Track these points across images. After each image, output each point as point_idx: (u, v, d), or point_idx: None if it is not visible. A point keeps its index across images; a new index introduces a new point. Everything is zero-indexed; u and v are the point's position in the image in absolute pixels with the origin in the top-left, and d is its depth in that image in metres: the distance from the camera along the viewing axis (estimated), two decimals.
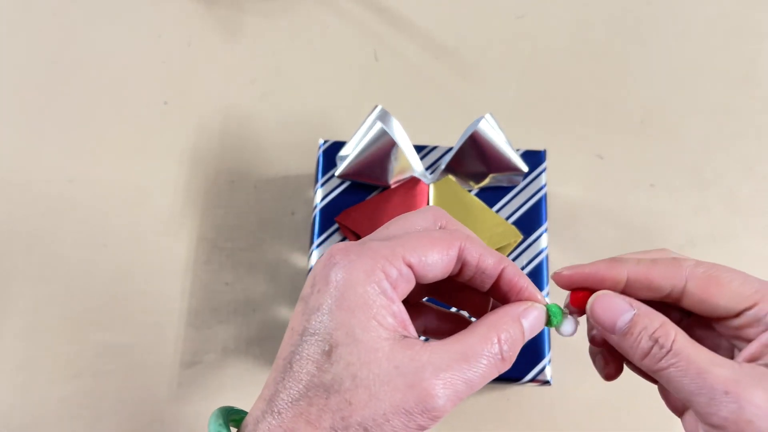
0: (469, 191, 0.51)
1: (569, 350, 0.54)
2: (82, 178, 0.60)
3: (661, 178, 0.60)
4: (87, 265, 0.57)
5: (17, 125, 0.62)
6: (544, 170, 0.52)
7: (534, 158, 0.52)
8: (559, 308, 0.30)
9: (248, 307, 0.56)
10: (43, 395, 0.53)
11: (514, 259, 0.50)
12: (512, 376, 0.47)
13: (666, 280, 0.28)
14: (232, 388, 0.54)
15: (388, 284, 0.26)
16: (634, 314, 0.27)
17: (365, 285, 0.26)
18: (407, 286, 0.27)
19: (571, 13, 0.66)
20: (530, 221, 0.51)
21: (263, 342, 0.55)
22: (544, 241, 0.51)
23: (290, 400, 0.25)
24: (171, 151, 0.61)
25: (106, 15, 0.66)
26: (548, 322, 0.30)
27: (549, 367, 0.48)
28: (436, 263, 0.27)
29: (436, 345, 0.26)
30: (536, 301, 0.29)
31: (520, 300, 0.29)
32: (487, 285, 0.29)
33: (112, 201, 0.59)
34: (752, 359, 0.27)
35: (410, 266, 0.27)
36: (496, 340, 0.26)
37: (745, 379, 0.25)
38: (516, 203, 0.51)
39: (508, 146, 0.50)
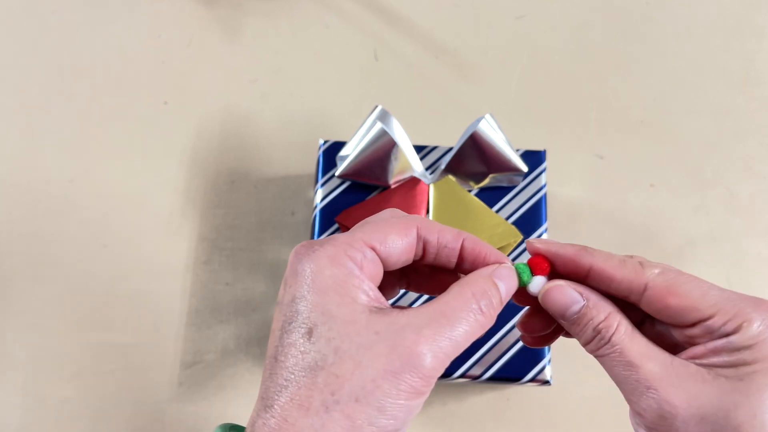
0: (469, 191, 0.51)
1: (569, 350, 0.54)
2: (83, 178, 0.60)
3: (660, 178, 0.60)
4: (87, 265, 0.57)
5: (17, 125, 0.62)
6: (544, 170, 0.52)
7: (534, 158, 0.52)
8: (527, 266, 0.31)
9: (248, 307, 0.56)
10: (43, 395, 0.53)
11: (513, 259, 0.50)
12: (512, 375, 0.47)
13: (625, 283, 0.29)
14: (232, 387, 0.54)
15: (354, 265, 0.27)
16: (583, 306, 0.29)
17: (332, 268, 0.26)
18: (375, 269, 0.28)
19: (571, 13, 0.66)
20: (530, 221, 0.51)
21: (263, 342, 0.55)
22: None
23: (278, 389, 0.25)
24: (171, 151, 0.61)
25: (105, 15, 0.66)
26: (519, 282, 0.31)
27: (549, 366, 0.48)
28: (397, 244, 0.28)
29: (413, 308, 0.27)
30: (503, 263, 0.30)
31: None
32: (453, 260, 0.30)
33: (112, 201, 0.59)
34: (693, 358, 0.28)
35: (373, 249, 0.27)
36: (470, 295, 0.27)
37: (670, 378, 0.27)
38: (516, 203, 0.51)
39: (508, 146, 0.50)
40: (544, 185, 0.52)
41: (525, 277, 0.31)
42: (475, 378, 0.48)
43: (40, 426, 0.53)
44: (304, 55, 0.64)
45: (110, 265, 0.57)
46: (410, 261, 0.29)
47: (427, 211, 0.51)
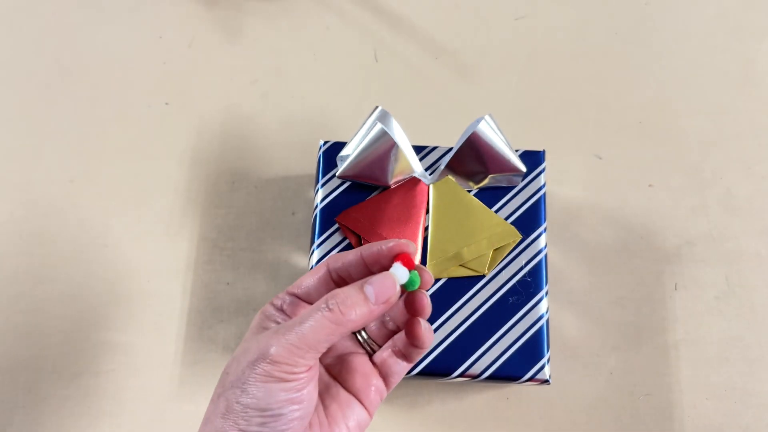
0: (469, 191, 0.52)
1: (568, 349, 0.55)
2: (83, 178, 0.60)
3: (659, 179, 0.60)
4: (88, 265, 0.57)
5: (19, 126, 0.62)
6: (543, 170, 0.52)
7: (533, 159, 0.53)
8: (417, 275, 0.35)
9: (249, 306, 0.56)
10: (43, 395, 0.54)
11: (513, 259, 0.50)
12: (511, 374, 0.48)
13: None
14: None
15: (273, 309, 0.35)
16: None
17: (258, 316, 0.36)
18: (297, 307, 0.35)
19: (571, 14, 0.66)
20: (529, 221, 0.51)
21: None
22: (542, 241, 0.51)
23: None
24: (172, 152, 0.61)
25: (107, 16, 0.66)
26: (408, 286, 0.34)
27: (548, 366, 0.48)
28: (309, 282, 0.36)
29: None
30: (396, 250, 0.34)
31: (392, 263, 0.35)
32: (364, 272, 0.35)
33: (112, 201, 0.59)
34: None
35: (292, 294, 0.36)
36: (323, 298, 0.32)
37: None
38: (515, 203, 0.52)
39: (507, 147, 0.50)
40: (544, 185, 0.52)
41: (415, 286, 0.34)
42: (475, 377, 0.48)
43: (41, 426, 0.53)
44: (305, 55, 0.65)
45: (110, 265, 0.57)
46: (329, 289, 0.36)
47: (427, 211, 0.51)
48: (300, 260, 0.57)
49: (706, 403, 0.53)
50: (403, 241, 0.34)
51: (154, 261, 0.57)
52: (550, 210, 0.58)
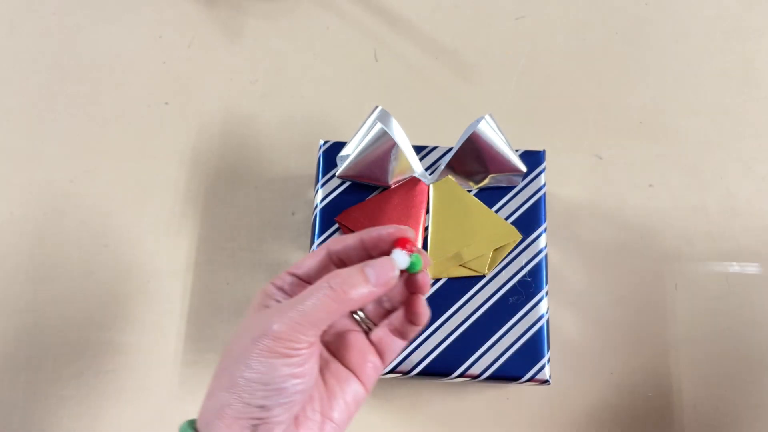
0: (469, 191, 0.52)
1: (568, 349, 0.55)
2: (83, 178, 0.60)
3: (659, 179, 0.60)
4: (88, 265, 0.57)
5: (19, 126, 0.62)
6: (543, 170, 0.52)
7: (533, 159, 0.53)
8: (418, 258, 0.35)
9: (248, 306, 0.56)
10: (43, 395, 0.54)
11: (513, 259, 0.50)
12: (511, 375, 0.48)
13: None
14: None
15: (274, 288, 0.37)
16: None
17: (258, 294, 0.37)
18: (297, 287, 0.37)
19: (570, 14, 0.66)
20: (529, 221, 0.51)
21: None
22: (543, 241, 0.51)
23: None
24: (172, 152, 0.61)
25: (106, 16, 0.66)
26: (411, 269, 0.35)
27: (548, 366, 0.48)
28: (310, 264, 0.37)
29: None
30: (396, 235, 0.35)
31: (394, 247, 0.35)
32: (363, 255, 0.37)
33: (113, 201, 0.59)
34: None
35: (293, 274, 0.37)
36: (325, 278, 0.33)
37: None
38: (515, 203, 0.52)
39: (507, 147, 0.50)
40: (544, 185, 0.52)
41: (417, 267, 0.35)
42: (475, 377, 0.48)
43: (41, 426, 0.53)
44: (305, 55, 0.65)
45: (111, 265, 0.57)
46: (330, 271, 0.36)
47: (427, 211, 0.51)
48: None
49: (706, 403, 0.53)
50: (402, 227, 0.36)
51: (154, 261, 0.57)
52: (550, 210, 0.58)
